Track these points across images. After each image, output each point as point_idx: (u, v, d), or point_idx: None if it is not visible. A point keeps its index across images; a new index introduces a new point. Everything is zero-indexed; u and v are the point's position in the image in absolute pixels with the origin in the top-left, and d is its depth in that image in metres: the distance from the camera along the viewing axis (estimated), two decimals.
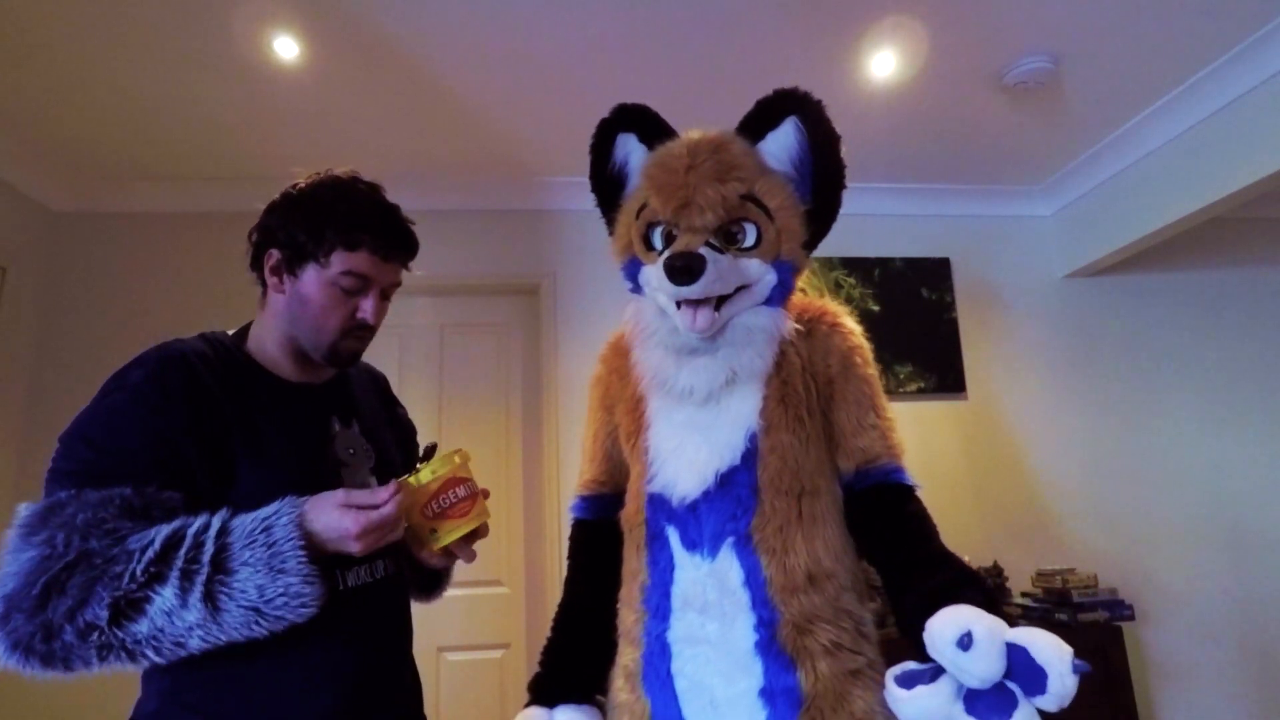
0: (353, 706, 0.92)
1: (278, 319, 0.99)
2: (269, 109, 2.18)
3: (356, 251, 0.95)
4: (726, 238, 0.98)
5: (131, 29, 1.81)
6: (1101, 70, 2.16)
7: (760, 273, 0.98)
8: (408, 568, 1.06)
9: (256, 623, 0.80)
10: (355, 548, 0.84)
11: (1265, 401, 2.87)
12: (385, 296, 1.02)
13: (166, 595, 0.76)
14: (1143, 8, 1.89)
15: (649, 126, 1.09)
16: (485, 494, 0.98)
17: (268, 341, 1.01)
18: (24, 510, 0.80)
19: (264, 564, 0.79)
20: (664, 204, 0.99)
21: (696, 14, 1.86)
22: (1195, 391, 2.86)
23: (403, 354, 2.61)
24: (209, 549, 0.79)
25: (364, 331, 1.00)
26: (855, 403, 1.00)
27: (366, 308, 0.98)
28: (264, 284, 1.01)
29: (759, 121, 1.02)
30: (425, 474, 0.92)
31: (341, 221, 0.95)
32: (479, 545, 1.02)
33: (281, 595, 0.80)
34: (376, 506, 0.85)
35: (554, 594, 2.43)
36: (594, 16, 1.86)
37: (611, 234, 1.13)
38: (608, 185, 1.13)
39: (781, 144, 1.01)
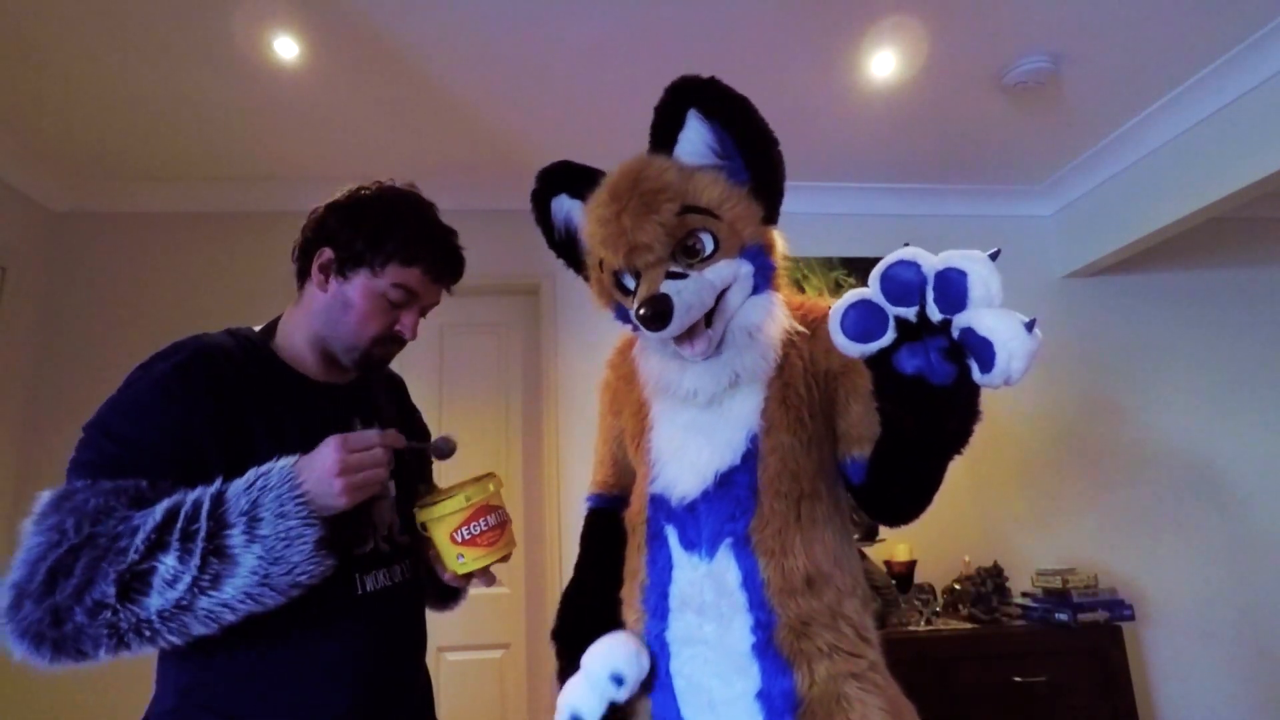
0: (366, 707, 0.92)
1: (311, 317, 1.00)
2: (269, 109, 2.17)
3: (411, 268, 0.98)
4: (689, 253, 0.96)
5: (131, 29, 1.81)
6: (1101, 70, 2.16)
7: (734, 270, 0.96)
8: (427, 579, 1.07)
9: (260, 572, 0.78)
10: (341, 500, 0.82)
11: (1265, 401, 2.87)
12: (423, 313, 1.04)
13: (169, 562, 0.76)
14: (1143, 8, 1.89)
15: (573, 181, 1.09)
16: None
17: (296, 338, 1.01)
18: (42, 498, 0.80)
19: (266, 509, 0.79)
20: (614, 255, 0.97)
21: (696, 14, 1.86)
22: (1195, 391, 2.86)
23: (403, 354, 2.58)
24: (206, 507, 0.79)
25: (397, 344, 1.03)
26: (867, 393, 0.93)
27: (407, 322, 1.01)
28: (300, 278, 1.01)
29: (664, 129, 0.99)
30: (460, 498, 0.93)
31: (405, 236, 0.97)
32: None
33: (283, 539, 0.79)
34: (368, 449, 0.84)
35: (554, 594, 2.43)
36: (593, 17, 1.86)
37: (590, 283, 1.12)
38: (564, 248, 1.14)
39: (694, 140, 0.97)
